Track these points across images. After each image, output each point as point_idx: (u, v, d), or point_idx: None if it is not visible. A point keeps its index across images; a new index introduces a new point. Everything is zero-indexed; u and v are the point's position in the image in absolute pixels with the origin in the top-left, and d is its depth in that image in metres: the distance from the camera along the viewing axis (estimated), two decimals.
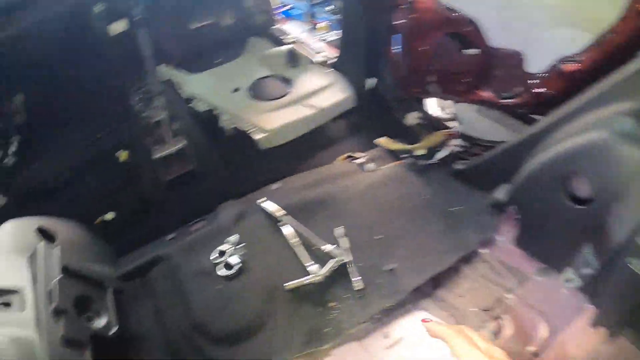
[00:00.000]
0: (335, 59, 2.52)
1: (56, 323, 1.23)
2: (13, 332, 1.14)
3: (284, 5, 3.99)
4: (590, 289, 1.27)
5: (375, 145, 2.11)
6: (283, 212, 1.67)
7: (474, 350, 0.74)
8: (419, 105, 2.16)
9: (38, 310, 1.23)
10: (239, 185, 2.04)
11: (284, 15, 3.92)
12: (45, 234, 1.52)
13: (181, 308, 1.50)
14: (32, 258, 1.37)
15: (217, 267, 1.55)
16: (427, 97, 2.17)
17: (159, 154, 2.10)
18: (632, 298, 1.07)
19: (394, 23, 1.88)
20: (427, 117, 2.12)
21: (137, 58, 2.35)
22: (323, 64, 2.57)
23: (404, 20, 1.81)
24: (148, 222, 2.04)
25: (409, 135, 2.07)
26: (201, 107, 2.38)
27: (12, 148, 2.37)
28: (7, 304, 1.22)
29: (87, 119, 2.54)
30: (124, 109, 2.48)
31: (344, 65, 2.44)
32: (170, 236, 1.79)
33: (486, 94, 1.74)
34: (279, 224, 1.65)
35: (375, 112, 2.29)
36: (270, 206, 1.71)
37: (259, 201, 1.75)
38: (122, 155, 2.28)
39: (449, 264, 1.48)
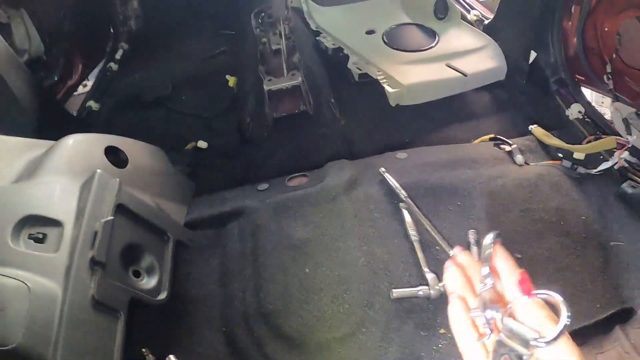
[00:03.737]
0: (490, 21, 2.15)
1: (90, 277, 0.98)
2: (34, 279, 0.91)
3: None
4: None
5: (523, 133, 1.74)
6: (404, 192, 1.34)
7: None
8: (582, 97, 1.80)
9: (72, 256, 0.98)
10: (354, 143, 1.78)
11: None
12: (115, 157, 1.29)
13: (252, 283, 1.23)
14: (86, 186, 1.11)
15: None
16: (593, 89, 1.82)
17: (270, 86, 1.83)
18: None
19: None
20: (591, 113, 1.74)
21: None
22: (475, 23, 2.22)
23: None
24: (240, 162, 1.81)
25: (567, 130, 1.73)
26: (328, 43, 2.10)
27: (118, 55, 2.50)
28: (40, 238, 0.99)
29: (200, 36, 2.55)
30: (242, 31, 2.31)
31: (501, 29, 2.06)
32: (261, 186, 1.50)
33: None
34: (400, 204, 1.32)
35: (529, 93, 1.94)
36: (392, 180, 1.37)
37: (381, 170, 1.42)
38: (231, 80, 2.13)
39: (599, 317, 1.16)
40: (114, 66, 2.45)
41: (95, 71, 2.45)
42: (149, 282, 1.13)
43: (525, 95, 1.95)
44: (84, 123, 2.13)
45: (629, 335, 1.12)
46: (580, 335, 1.12)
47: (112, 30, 2.60)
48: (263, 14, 2.18)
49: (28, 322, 0.85)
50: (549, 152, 1.64)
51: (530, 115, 1.85)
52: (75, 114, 2.17)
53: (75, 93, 2.28)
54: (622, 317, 1.17)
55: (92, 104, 2.22)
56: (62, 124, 1.99)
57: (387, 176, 1.37)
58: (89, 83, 2.41)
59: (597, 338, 1.14)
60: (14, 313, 0.85)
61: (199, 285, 1.26)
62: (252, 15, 2.24)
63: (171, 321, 1.19)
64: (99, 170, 1.12)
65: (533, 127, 1.71)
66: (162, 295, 1.14)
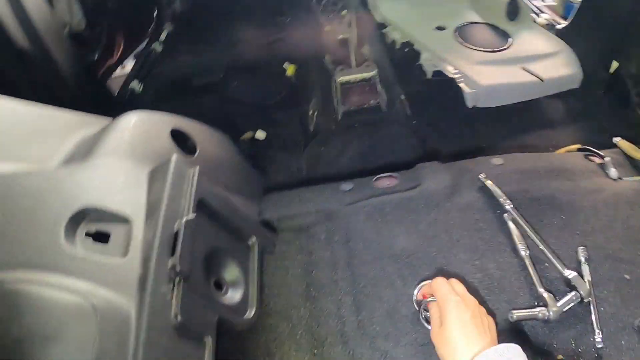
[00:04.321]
0: (565, 25, 2.02)
1: (171, 292, 0.74)
2: (100, 293, 0.68)
3: None
4: None
5: (602, 144, 1.61)
6: (509, 202, 1.22)
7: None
8: None
9: (147, 263, 0.74)
10: (427, 143, 1.66)
11: None
12: (182, 141, 1.04)
13: (350, 298, 1.08)
14: (158, 175, 0.86)
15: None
16: None
17: (342, 77, 1.71)
18: None
19: None
20: None
21: None
22: (547, 26, 2.08)
23: None
24: (305, 156, 1.67)
25: None
26: (396, 36, 1.98)
27: (162, 36, 2.41)
28: (102, 237, 0.76)
29: (252, 21, 2.41)
30: (299, 18, 2.20)
31: (577, 35, 1.92)
32: (345, 186, 1.33)
33: None
34: (504, 215, 1.21)
35: (606, 103, 1.82)
36: (495, 188, 1.25)
37: (481, 176, 1.29)
38: (290, 68, 2.01)
39: None
40: (157, 47, 2.35)
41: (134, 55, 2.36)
42: (232, 297, 0.94)
43: (602, 106, 1.83)
44: (126, 105, 2.00)
45: None
46: None
47: (156, 10, 2.49)
48: (326, 1, 2.08)
49: (96, 353, 0.64)
50: (636, 166, 1.53)
51: (607, 126, 1.72)
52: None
53: (113, 75, 2.17)
54: None
55: (135, 85, 2.12)
56: (104, 104, 1.86)
57: (489, 183, 1.26)
58: (128, 65, 2.30)
59: None
60: (76, 341, 0.64)
61: (280, 298, 1.11)
62: (315, 2, 2.14)
63: (249, 339, 1.03)
64: (175, 155, 0.88)
65: (618, 140, 1.61)
66: (250, 313, 0.96)
